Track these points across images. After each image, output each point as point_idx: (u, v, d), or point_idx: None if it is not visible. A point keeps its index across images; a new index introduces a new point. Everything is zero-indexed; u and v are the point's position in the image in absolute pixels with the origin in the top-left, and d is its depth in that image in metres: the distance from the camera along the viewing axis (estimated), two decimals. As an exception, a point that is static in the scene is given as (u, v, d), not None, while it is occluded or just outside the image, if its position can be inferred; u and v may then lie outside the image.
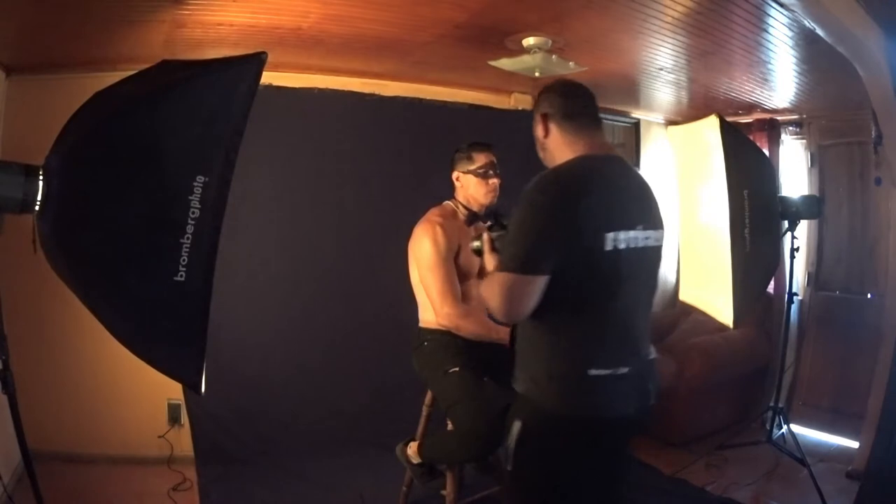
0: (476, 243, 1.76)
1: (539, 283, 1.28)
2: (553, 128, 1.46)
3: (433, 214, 2.23)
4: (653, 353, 1.47)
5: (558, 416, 1.34)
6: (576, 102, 1.46)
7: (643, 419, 1.46)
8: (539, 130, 1.50)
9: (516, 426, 1.38)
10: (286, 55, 2.88)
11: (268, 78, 2.69)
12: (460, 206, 2.25)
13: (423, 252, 2.15)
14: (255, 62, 1.55)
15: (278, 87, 3.08)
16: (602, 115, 1.51)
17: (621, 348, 1.38)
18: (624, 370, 1.35)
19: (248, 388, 3.11)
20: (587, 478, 1.39)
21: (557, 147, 1.46)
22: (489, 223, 1.82)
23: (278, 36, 2.56)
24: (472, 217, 2.26)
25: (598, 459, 1.41)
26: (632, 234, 1.35)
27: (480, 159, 2.20)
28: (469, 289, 2.21)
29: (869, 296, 3.48)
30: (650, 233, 1.41)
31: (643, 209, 1.43)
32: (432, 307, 2.16)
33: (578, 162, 1.39)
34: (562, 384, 1.34)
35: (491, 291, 1.34)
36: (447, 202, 2.29)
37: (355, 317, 3.31)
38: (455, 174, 2.25)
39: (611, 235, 1.30)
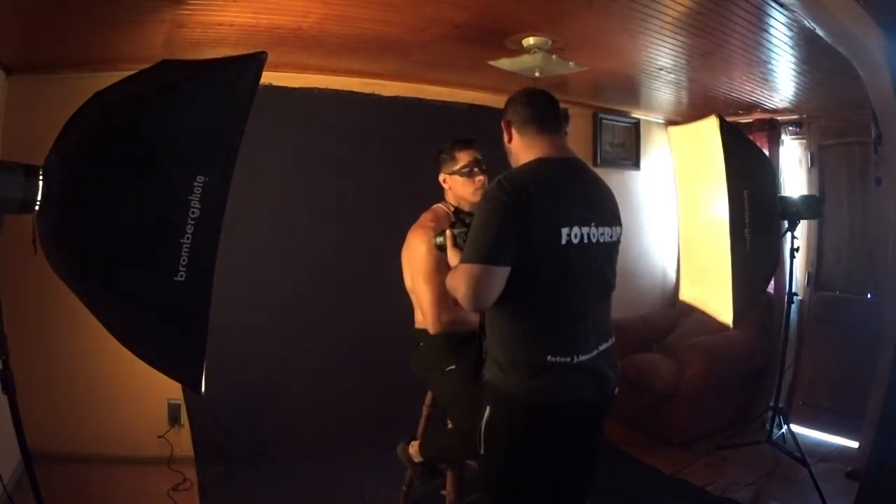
0: (440, 239, 1.79)
1: (501, 273, 1.38)
2: (515, 133, 1.60)
3: (426, 219, 2.19)
4: (609, 343, 1.55)
5: (520, 401, 1.44)
6: (535, 110, 1.57)
7: (604, 404, 1.57)
8: (505, 136, 1.63)
9: (486, 411, 1.50)
10: (286, 55, 2.87)
11: (268, 78, 2.71)
12: (452, 208, 2.22)
13: (418, 258, 2.12)
14: (255, 62, 1.55)
15: (278, 87, 3.08)
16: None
17: (577, 337, 1.47)
18: (581, 358, 1.46)
19: (248, 388, 3.12)
20: (551, 460, 1.49)
21: (519, 151, 1.59)
22: (451, 221, 1.84)
23: (278, 36, 2.56)
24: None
25: (560, 442, 1.49)
26: (584, 229, 1.46)
27: (464, 158, 2.16)
28: None
29: (869, 296, 3.48)
30: (604, 229, 1.52)
31: (595, 207, 1.54)
32: (425, 315, 2.14)
33: (535, 164, 1.51)
34: (522, 370, 1.44)
35: (458, 282, 1.42)
36: (438, 205, 2.25)
37: (356, 317, 3.31)
38: (441, 176, 2.22)
39: (565, 230, 1.42)
